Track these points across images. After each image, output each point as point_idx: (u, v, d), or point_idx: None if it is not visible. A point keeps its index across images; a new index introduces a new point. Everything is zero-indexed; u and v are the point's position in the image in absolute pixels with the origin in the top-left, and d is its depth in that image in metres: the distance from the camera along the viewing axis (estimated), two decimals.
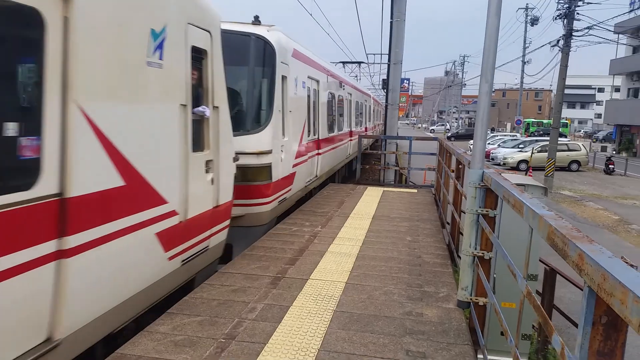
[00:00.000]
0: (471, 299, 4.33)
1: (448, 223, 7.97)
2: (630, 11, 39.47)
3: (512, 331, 4.14)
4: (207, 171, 4.89)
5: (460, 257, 6.37)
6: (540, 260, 6.34)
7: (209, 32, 4.90)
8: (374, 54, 43.00)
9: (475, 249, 4.33)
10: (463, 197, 6.24)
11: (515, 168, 27.96)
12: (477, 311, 4.22)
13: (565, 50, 23.15)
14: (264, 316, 4.02)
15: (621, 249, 11.72)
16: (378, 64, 42.97)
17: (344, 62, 25.05)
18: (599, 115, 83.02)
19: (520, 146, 31.70)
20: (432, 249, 6.26)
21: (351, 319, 4.03)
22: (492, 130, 67.39)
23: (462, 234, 7.14)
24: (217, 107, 5.08)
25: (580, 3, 23.22)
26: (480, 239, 4.32)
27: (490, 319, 4.48)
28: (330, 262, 5.52)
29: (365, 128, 22.30)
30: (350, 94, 15.82)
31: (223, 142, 5.18)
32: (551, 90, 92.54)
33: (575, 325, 5.67)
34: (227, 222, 5.53)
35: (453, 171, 7.20)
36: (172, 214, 4.20)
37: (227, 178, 5.40)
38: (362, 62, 25.33)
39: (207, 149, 4.90)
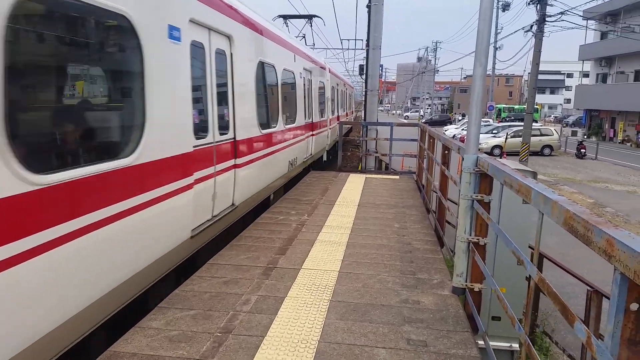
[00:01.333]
0: (466, 285, 4.31)
1: (434, 211, 7.97)
2: None
3: (506, 317, 4.15)
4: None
5: (447, 243, 6.39)
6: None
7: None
8: (348, 40, 42.71)
9: (470, 234, 4.30)
10: (452, 183, 6.22)
11: (489, 153, 28.34)
12: (472, 297, 4.20)
13: (539, 36, 23.43)
14: (259, 308, 3.92)
15: None
16: (352, 49, 42.79)
17: (285, 17, 17.39)
18: (568, 101, 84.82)
19: (494, 132, 32.12)
20: (421, 235, 6.24)
21: (348, 308, 3.96)
22: (463, 115, 68.20)
23: (448, 222, 7.17)
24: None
25: None
26: (475, 224, 4.29)
27: (485, 304, 4.48)
28: (321, 251, 5.43)
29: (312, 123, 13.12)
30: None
31: None
32: (521, 76, 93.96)
33: None
34: None
35: (440, 156, 7.17)
36: None
37: None
38: (316, 17, 18.64)
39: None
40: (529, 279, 6.19)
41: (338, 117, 18.30)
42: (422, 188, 9.57)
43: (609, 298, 5.26)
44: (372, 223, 6.80)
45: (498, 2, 45.72)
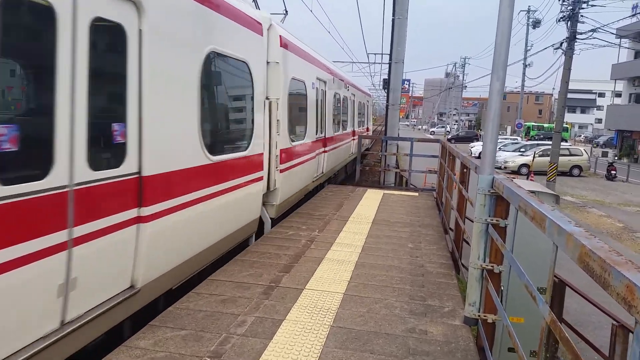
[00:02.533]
0: (479, 316, 4.01)
1: (451, 229, 7.65)
2: (633, 15, 39.27)
3: (521, 347, 3.84)
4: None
5: (464, 267, 6.08)
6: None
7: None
8: (374, 54, 42.61)
9: (484, 261, 4.01)
10: (468, 203, 5.93)
11: (516, 172, 27.66)
12: (485, 329, 3.91)
13: (569, 53, 22.87)
14: (254, 331, 3.70)
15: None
16: (379, 63, 42.70)
17: None
18: (599, 120, 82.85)
19: (522, 150, 31.41)
20: (435, 257, 5.95)
21: (349, 335, 3.71)
22: None
23: (466, 242, 6.84)
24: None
25: (584, 5, 22.93)
26: (489, 250, 4.01)
27: (499, 336, 4.18)
28: (328, 270, 5.20)
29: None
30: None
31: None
32: (551, 94, 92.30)
33: (586, 341, 5.35)
34: None
35: (458, 175, 6.88)
36: None
37: None
38: None
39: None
40: (551, 308, 5.81)
41: (354, 132, 16.89)
42: (441, 206, 9.25)
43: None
44: (385, 242, 6.53)
45: (528, 18, 45.17)
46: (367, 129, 21.76)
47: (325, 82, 11.15)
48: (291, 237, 6.51)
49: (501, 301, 3.72)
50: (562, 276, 6.62)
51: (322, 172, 11.07)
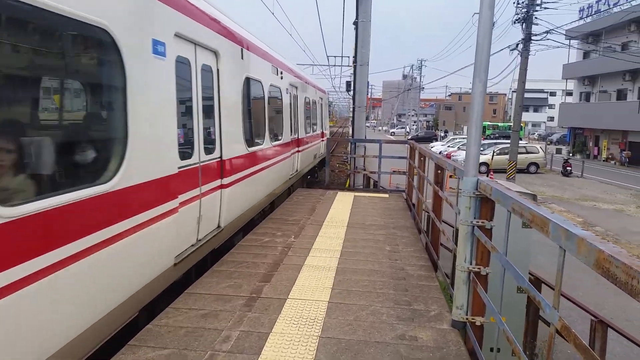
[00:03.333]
0: (467, 319, 3.97)
1: (426, 231, 7.66)
2: (580, 19, 40.95)
3: (507, 348, 3.82)
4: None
5: (441, 268, 6.07)
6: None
7: None
8: (334, 56, 42.68)
9: (471, 263, 3.98)
10: (446, 203, 5.93)
11: None
12: (474, 331, 3.87)
13: (525, 54, 23.56)
14: (240, 346, 3.53)
15: None
16: (339, 66, 42.82)
17: None
18: (551, 118, 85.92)
19: (480, 149, 32.07)
20: (414, 259, 5.91)
21: (339, 346, 3.60)
22: (446, 132, 68.62)
23: (443, 245, 6.85)
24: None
25: (537, 8, 23.68)
26: (475, 252, 3.98)
27: (487, 337, 4.15)
28: (309, 278, 5.06)
29: None
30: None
31: None
32: (505, 94, 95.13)
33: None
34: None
35: (432, 176, 6.88)
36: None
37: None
38: None
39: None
40: (528, 306, 5.85)
41: (322, 134, 16.84)
42: (413, 207, 9.27)
43: (614, 329, 4.88)
44: (363, 245, 6.46)
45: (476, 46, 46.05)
46: (323, 135, 17.17)
47: (296, 87, 11.40)
48: (267, 244, 6.34)
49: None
50: (536, 272, 6.74)
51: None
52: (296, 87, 11.54)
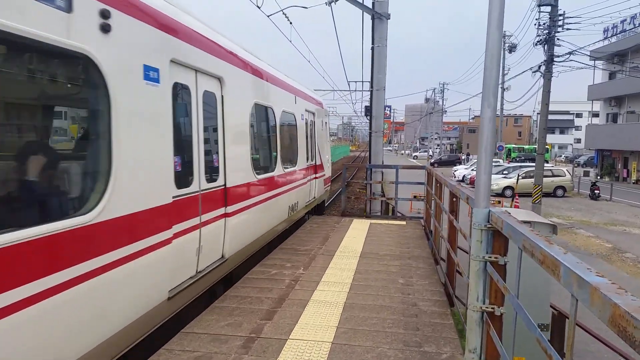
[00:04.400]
0: None
1: (442, 259, 7.33)
2: (604, 39, 40.30)
3: None
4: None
5: (459, 300, 5.72)
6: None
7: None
8: (355, 82, 42.86)
9: (484, 302, 3.67)
10: (460, 234, 5.63)
11: (501, 194, 27.62)
12: None
13: (547, 76, 23.12)
14: None
15: (619, 280, 11.17)
16: (360, 91, 42.98)
17: None
18: (578, 140, 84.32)
19: (504, 172, 31.46)
20: (428, 294, 5.58)
21: None
22: (468, 155, 67.74)
23: (459, 273, 6.51)
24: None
25: (559, 29, 23.33)
26: (489, 290, 3.67)
27: None
28: (314, 315, 4.79)
29: None
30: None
31: None
32: (530, 116, 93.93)
33: None
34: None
35: (448, 204, 6.58)
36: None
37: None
38: None
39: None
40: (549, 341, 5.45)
41: (316, 168, 12.03)
42: (430, 235, 8.94)
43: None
44: (374, 278, 6.16)
45: (504, 43, 46.04)
46: (317, 169, 12.04)
47: (314, 114, 11.38)
48: (274, 277, 6.10)
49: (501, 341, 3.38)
50: (559, 307, 6.31)
51: None
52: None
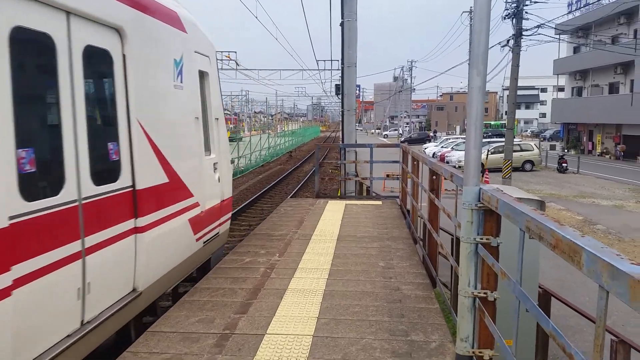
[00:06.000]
0: (474, 353, 3.39)
1: (421, 239, 7.10)
2: (569, 12, 40.70)
3: None
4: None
5: (442, 283, 5.49)
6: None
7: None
8: (324, 61, 42.27)
9: (476, 287, 3.40)
10: (442, 212, 5.38)
11: None
12: None
13: (516, 50, 23.10)
14: None
15: None
16: (328, 70, 42.43)
17: None
18: (543, 115, 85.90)
19: (481, 153, 31.59)
20: (411, 276, 5.33)
21: None
22: (435, 132, 68.28)
23: (442, 256, 6.29)
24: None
25: (527, 2, 23.27)
26: (480, 274, 3.40)
27: None
28: (292, 306, 4.47)
29: None
30: None
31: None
32: (496, 92, 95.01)
33: None
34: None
35: (427, 182, 6.31)
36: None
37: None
38: None
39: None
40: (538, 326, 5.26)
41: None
42: (408, 214, 8.71)
43: (638, 350, 4.25)
44: (354, 262, 5.87)
45: (471, 19, 46.06)
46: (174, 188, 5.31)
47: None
48: (248, 266, 5.74)
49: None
50: (544, 285, 6.17)
51: None
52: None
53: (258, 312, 4.33)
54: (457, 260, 4.08)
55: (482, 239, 3.36)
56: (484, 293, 3.32)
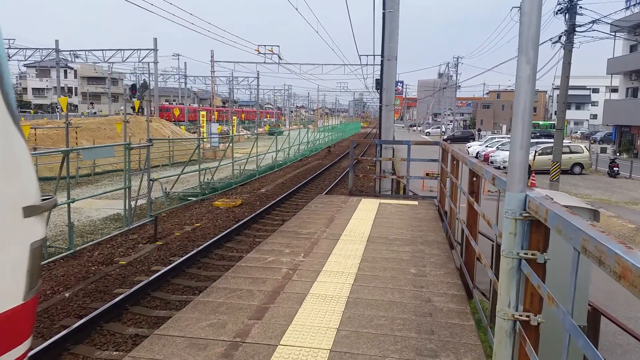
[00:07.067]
0: None
1: (458, 243, 6.63)
2: (627, 8, 38.49)
3: None
4: None
5: (479, 290, 5.03)
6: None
7: None
8: (366, 55, 41.57)
9: (517, 309, 2.96)
10: (481, 218, 4.91)
11: None
12: None
13: (568, 47, 21.93)
14: None
15: None
16: (371, 65, 41.77)
17: None
18: (594, 116, 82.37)
19: (529, 155, 30.41)
20: (444, 286, 4.88)
21: None
22: (479, 131, 66.35)
23: (479, 260, 5.80)
24: None
25: None
26: (523, 294, 2.96)
27: None
28: (312, 313, 4.12)
29: None
30: None
31: None
32: (545, 92, 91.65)
33: None
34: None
35: (467, 184, 5.83)
36: None
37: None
38: None
39: None
40: None
41: None
42: (445, 216, 8.22)
43: None
44: (383, 267, 5.47)
45: (521, 15, 44.32)
46: None
47: None
48: (270, 266, 5.43)
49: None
50: (595, 303, 5.61)
51: None
52: None
53: (274, 318, 4.00)
54: (497, 273, 3.63)
55: (526, 254, 2.91)
56: (527, 316, 2.88)
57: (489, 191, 14.66)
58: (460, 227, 6.35)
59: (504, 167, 27.58)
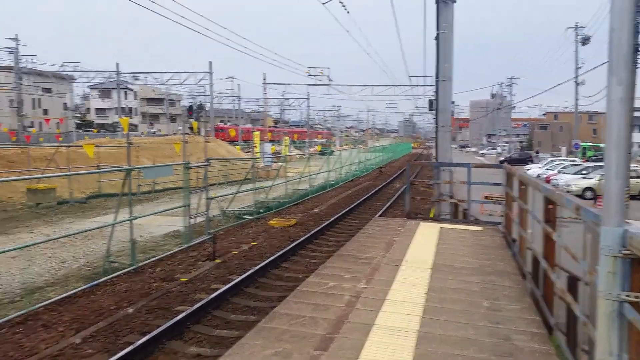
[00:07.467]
0: None
1: (530, 273, 6.24)
2: None
3: None
4: None
5: (560, 330, 4.65)
6: None
7: None
8: (416, 76, 41.30)
9: (620, 359, 2.66)
10: (562, 250, 4.58)
11: (580, 196, 25.42)
12: None
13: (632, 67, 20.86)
14: None
15: None
16: (421, 85, 41.40)
17: None
18: None
19: (584, 172, 29.05)
20: (522, 323, 4.54)
21: None
22: (537, 153, 63.96)
23: (562, 299, 5.40)
24: None
25: None
26: (628, 342, 2.65)
27: None
28: (380, 347, 3.91)
29: None
30: None
31: None
32: (605, 113, 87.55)
33: None
34: None
35: (541, 212, 5.47)
36: None
37: None
38: None
39: None
40: None
41: None
42: (513, 244, 7.80)
43: None
44: (452, 299, 5.18)
45: (576, 35, 43.07)
46: None
47: None
48: (332, 292, 5.27)
49: None
50: None
51: None
52: None
53: (341, 350, 3.82)
54: (588, 315, 3.33)
55: (628, 296, 2.62)
56: None
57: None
58: (531, 256, 5.98)
59: (567, 191, 26.35)
